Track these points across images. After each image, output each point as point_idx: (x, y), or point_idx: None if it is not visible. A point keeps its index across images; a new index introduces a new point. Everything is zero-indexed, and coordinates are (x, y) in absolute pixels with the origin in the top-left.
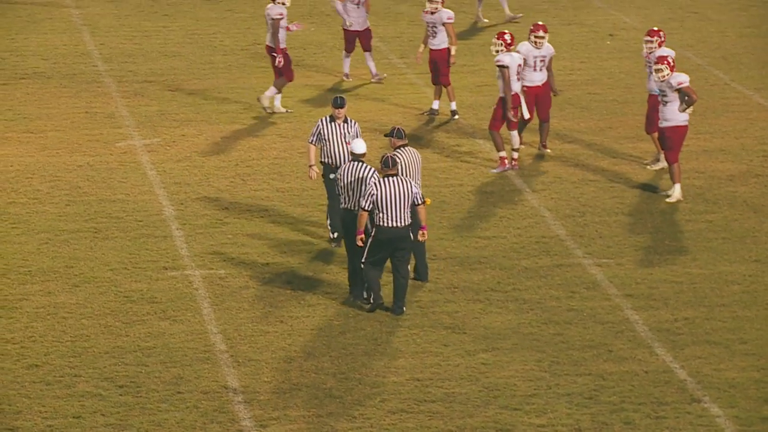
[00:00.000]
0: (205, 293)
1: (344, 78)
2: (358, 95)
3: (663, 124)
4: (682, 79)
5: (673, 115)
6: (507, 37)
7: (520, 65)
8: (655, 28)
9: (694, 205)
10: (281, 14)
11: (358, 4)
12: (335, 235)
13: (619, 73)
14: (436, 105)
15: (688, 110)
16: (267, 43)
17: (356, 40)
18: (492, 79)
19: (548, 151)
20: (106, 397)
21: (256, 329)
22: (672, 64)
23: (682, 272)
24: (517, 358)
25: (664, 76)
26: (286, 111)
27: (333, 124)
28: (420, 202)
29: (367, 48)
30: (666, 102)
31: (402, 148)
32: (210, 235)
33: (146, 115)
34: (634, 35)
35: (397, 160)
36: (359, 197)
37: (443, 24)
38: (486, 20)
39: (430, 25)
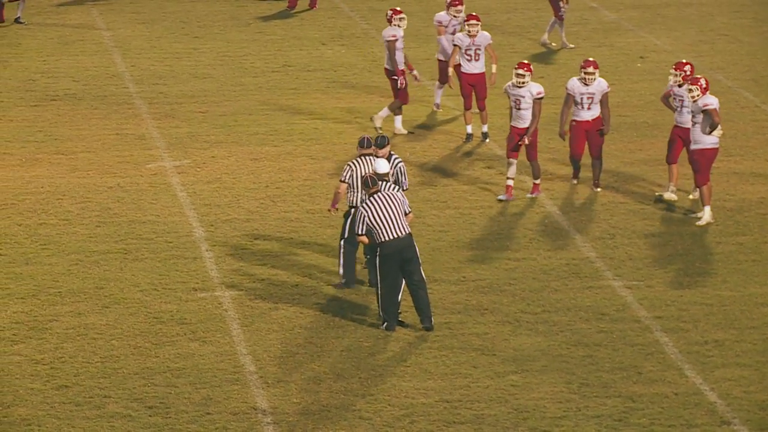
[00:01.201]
0: (235, 314)
1: (434, 108)
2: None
3: (693, 146)
4: (708, 101)
5: (702, 137)
6: (531, 67)
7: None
8: (683, 61)
9: (725, 227)
10: (394, 36)
11: (453, 33)
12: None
13: (649, 95)
14: (470, 129)
15: (715, 133)
16: (385, 65)
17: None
18: None
19: (598, 190)
20: (136, 418)
21: (285, 350)
22: (705, 86)
23: (712, 294)
24: (546, 380)
25: (694, 97)
26: (408, 132)
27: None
28: (409, 210)
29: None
30: (695, 123)
31: (364, 158)
32: (240, 257)
33: (177, 137)
34: (665, 57)
35: (377, 179)
36: None
37: (487, 47)
38: (572, 45)
39: (473, 48)
